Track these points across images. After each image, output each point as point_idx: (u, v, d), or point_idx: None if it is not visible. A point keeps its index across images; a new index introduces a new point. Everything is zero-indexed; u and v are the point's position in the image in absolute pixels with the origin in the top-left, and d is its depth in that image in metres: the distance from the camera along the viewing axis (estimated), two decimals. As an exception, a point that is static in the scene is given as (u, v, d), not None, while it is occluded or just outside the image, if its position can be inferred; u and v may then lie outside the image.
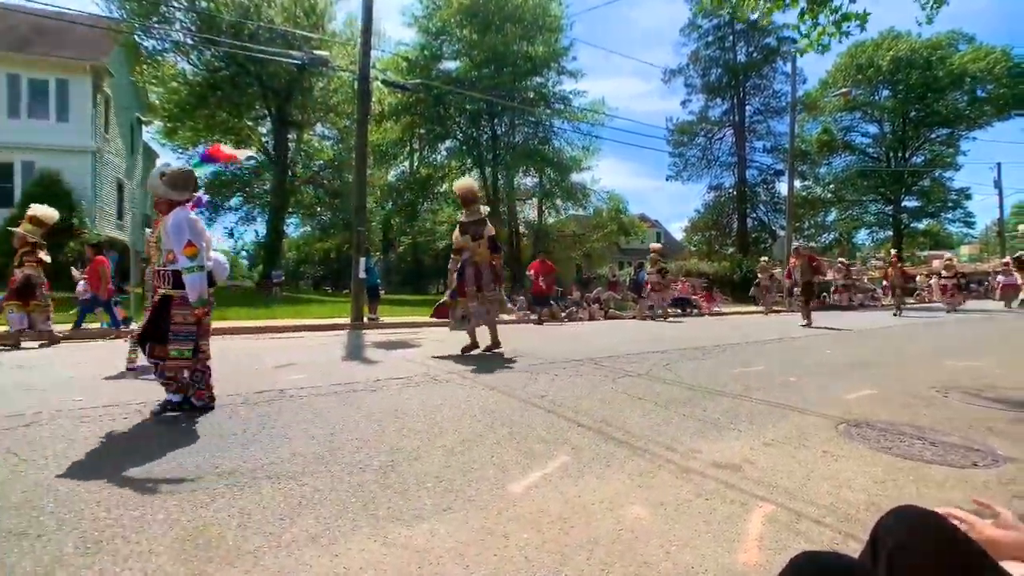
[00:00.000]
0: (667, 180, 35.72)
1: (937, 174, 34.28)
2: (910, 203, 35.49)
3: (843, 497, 2.37)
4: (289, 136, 25.86)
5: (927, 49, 32.39)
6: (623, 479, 2.55)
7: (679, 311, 16.74)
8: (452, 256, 6.95)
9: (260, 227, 30.02)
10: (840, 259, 22.07)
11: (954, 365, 6.14)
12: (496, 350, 6.85)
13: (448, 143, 27.84)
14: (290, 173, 26.87)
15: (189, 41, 21.24)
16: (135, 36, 20.64)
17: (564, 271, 33.93)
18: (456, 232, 6.94)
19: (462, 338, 6.87)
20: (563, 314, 14.14)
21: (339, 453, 2.84)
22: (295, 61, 15.40)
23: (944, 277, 18.70)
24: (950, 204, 34.83)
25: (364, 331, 9.86)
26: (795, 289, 12.98)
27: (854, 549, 1.89)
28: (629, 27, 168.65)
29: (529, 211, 31.38)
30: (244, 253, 47.14)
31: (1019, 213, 44.32)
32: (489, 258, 6.72)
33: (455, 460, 2.76)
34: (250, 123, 25.70)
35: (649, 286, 14.56)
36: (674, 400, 4.21)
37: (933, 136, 34.88)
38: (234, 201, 28.43)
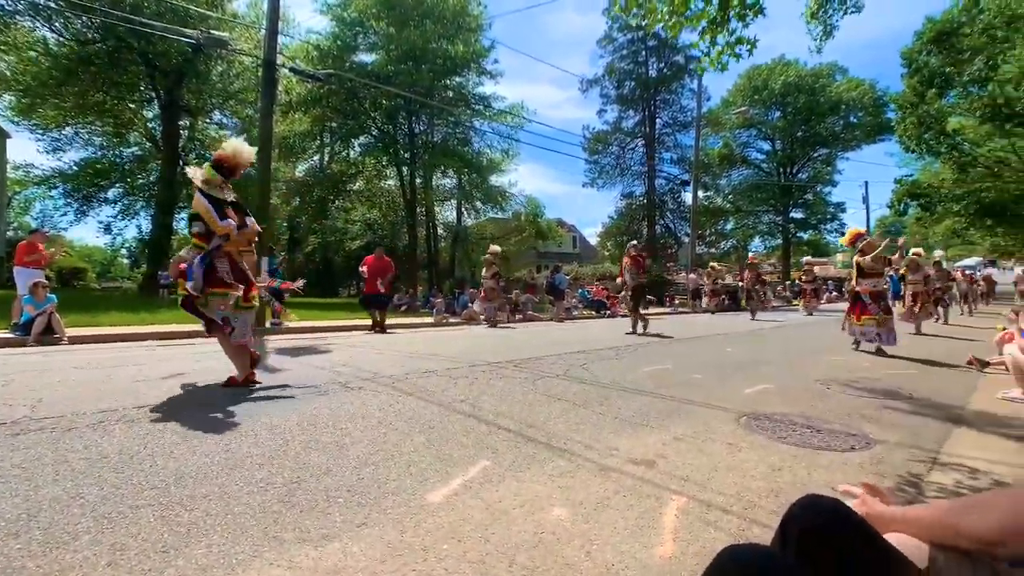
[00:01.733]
0: (583, 186, 36.89)
1: (818, 189, 38.46)
2: (796, 215, 39.53)
3: (746, 486, 2.51)
4: (181, 123, 23.59)
5: (811, 77, 36.53)
6: (544, 481, 2.53)
7: (594, 313, 17.35)
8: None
9: (144, 222, 26.97)
10: (712, 263, 22.74)
11: (833, 360, 6.82)
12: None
13: (362, 139, 26.83)
14: (182, 163, 24.54)
15: (52, 4, 18.58)
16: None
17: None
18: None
19: (382, 343, 6.60)
20: (481, 316, 14.10)
21: (236, 471, 2.56)
22: (189, 40, 14.10)
23: (804, 281, 19.46)
24: (828, 216, 39.19)
25: (267, 337, 9.19)
26: (624, 293, 11.65)
27: (757, 534, 2.01)
28: (547, 36, 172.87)
29: (448, 212, 31.09)
30: (125, 251, 42.49)
31: (881, 226, 50.53)
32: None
33: (369, 472, 2.59)
34: (133, 105, 23.16)
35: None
36: (591, 399, 4.29)
37: (815, 155, 39.21)
38: (112, 192, 25.39)
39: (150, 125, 24.36)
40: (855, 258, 7.93)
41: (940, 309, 13.20)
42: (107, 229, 26.12)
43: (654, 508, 2.25)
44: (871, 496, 1.21)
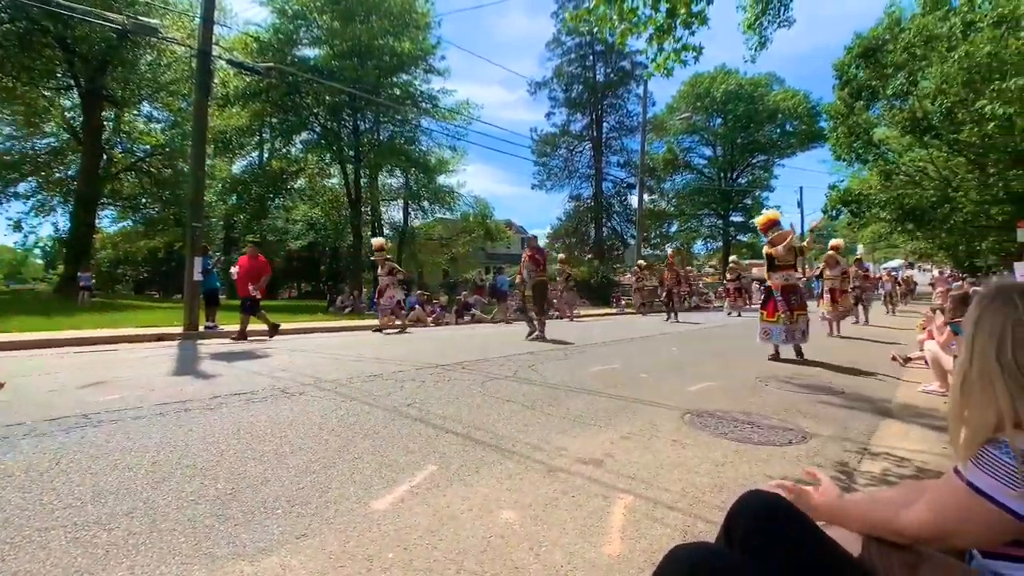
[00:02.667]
0: (532, 188, 37.14)
1: (757, 194, 40.57)
2: (736, 218, 41.41)
3: (691, 482, 2.58)
4: (105, 114, 21.98)
5: (751, 86, 38.62)
6: (492, 484, 2.51)
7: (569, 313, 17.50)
8: None
9: (62, 219, 24.92)
10: (639, 262, 21.48)
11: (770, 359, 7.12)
12: None
13: (304, 135, 25.90)
14: (106, 157, 22.88)
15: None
16: None
17: (431, 275, 33.73)
18: None
19: (325, 346, 6.37)
20: (429, 319, 13.94)
21: (164, 486, 2.39)
22: (114, 26, 13.18)
23: (729, 280, 18.55)
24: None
25: (200, 341, 8.70)
26: (521, 291, 10.51)
27: (703, 529, 2.06)
28: (495, 39, 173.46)
29: (395, 212, 30.53)
30: (39, 251, 39.26)
31: (814, 231, 53.75)
32: None
33: (310, 481, 2.49)
34: (48, 93, 21.39)
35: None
36: (539, 400, 4.30)
37: (754, 161, 41.39)
38: (23, 187, 23.34)
39: (68, 115, 22.58)
40: (765, 249, 7.22)
41: (860, 309, 13.01)
42: (17, 227, 24.01)
43: (602, 507, 2.27)
44: (807, 488, 1.25)
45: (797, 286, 7.02)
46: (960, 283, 19.54)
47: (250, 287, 9.27)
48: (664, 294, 16.41)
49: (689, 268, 26.79)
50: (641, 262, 21.31)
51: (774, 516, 1.07)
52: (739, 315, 16.80)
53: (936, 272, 41.60)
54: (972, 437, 0.98)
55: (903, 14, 20.03)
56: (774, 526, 1.05)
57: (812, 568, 1.00)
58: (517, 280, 10.53)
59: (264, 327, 9.44)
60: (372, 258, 11.88)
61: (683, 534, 2.03)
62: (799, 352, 6.90)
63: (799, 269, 7.60)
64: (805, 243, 7.54)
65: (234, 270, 9.90)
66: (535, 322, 9.49)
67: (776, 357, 6.80)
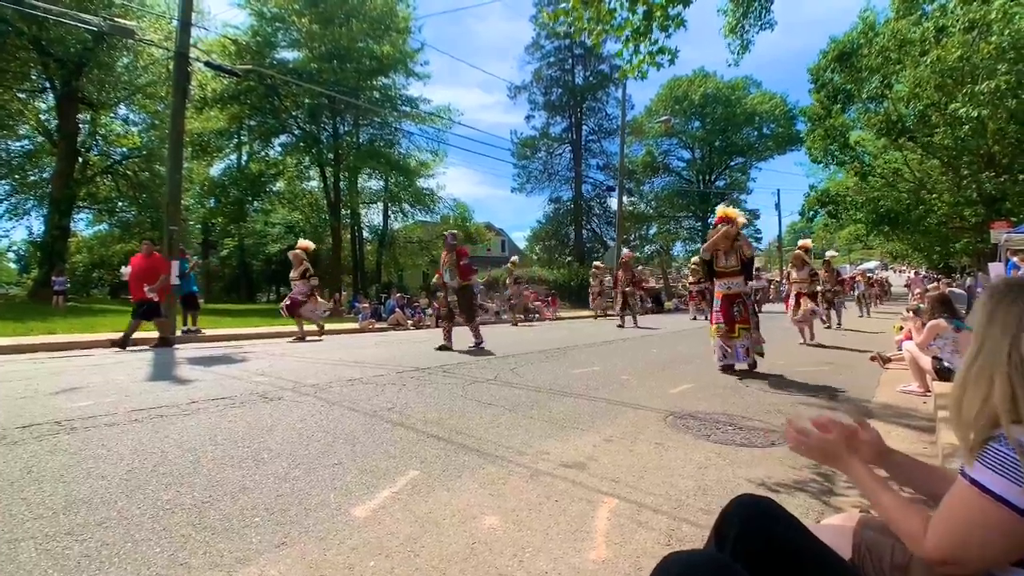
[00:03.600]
0: (512, 191, 37.21)
1: (735, 196, 41.05)
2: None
3: (675, 485, 2.59)
4: (81, 117, 21.52)
5: (728, 89, 39.18)
6: (475, 489, 2.50)
7: (521, 317, 17.42)
8: None
9: (36, 222, 24.38)
10: (596, 263, 19.63)
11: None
12: None
13: (283, 138, 25.70)
14: (81, 160, 22.39)
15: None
16: None
17: (411, 277, 33.56)
18: None
19: (304, 351, 6.29)
20: (409, 321, 13.89)
21: (138, 494, 2.34)
22: (90, 28, 12.93)
23: (691, 282, 16.75)
24: (744, 222, 41.76)
25: (177, 346, 8.54)
26: (442, 296, 8.94)
27: (687, 533, 2.07)
28: (474, 42, 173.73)
29: (374, 215, 30.36)
30: (12, 255, 38.28)
31: (792, 231, 54.60)
32: None
33: (289, 488, 2.45)
34: (23, 95, 20.89)
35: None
36: (522, 404, 4.30)
37: (732, 164, 41.98)
38: (-3, 190, 22.83)
39: (43, 118, 22.07)
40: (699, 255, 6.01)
41: (832, 312, 12.45)
42: (-10, 229, 23.45)
43: (586, 512, 2.26)
44: (859, 431, 1.20)
45: (740, 295, 6.07)
46: (935, 284, 19.95)
47: (145, 288, 8.17)
48: (618, 296, 14.11)
49: (640, 268, 25.12)
50: (598, 263, 19.02)
51: (767, 521, 1.05)
52: (705, 318, 14.35)
53: (911, 273, 42.51)
54: (977, 434, 0.94)
55: (877, 19, 20.51)
56: (767, 531, 1.04)
57: (806, 574, 0.99)
58: (435, 281, 9.38)
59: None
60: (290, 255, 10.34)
61: (668, 538, 2.04)
62: (752, 366, 6.08)
63: (749, 276, 6.36)
64: (741, 242, 6.13)
65: (125, 270, 8.60)
66: (472, 331, 8.46)
67: (728, 370, 5.95)
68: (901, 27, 18.53)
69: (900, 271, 57.59)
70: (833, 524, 1.31)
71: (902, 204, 22.87)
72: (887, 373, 6.04)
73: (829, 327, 12.26)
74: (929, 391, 4.66)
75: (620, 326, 13.21)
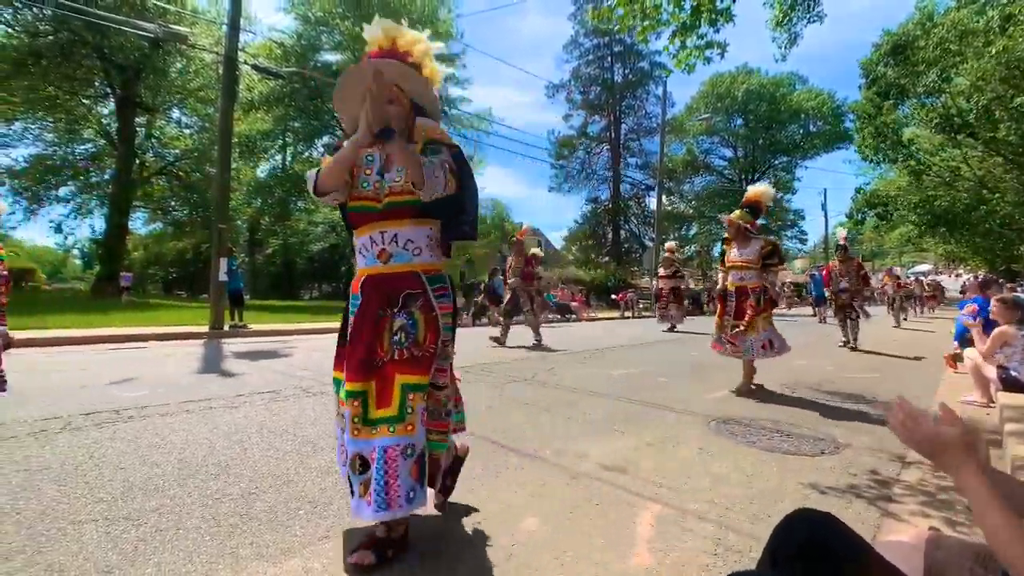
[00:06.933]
0: (549, 191, 37.14)
1: (779, 196, 39.63)
2: (758, 221, 40.45)
3: (721, 492, 2.50)
4: (138, 120, 22.68)
5: (772, 86, 37.81)
6: (514, 489, 2.48)
7: (559, 316, 17.35)
8: None
9: (98, 221, 25.88)
10: (669, 245, 15.98)
11: (798, 364, 6.94)
12: None
13: (326, 138, 26.33)
14: (138, 162, 23.59)
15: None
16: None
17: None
18: None
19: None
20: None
21: (190, 482, 2.43)
22: (147, 35, 13.57)
23: (661, 276, 12.94)
24: (789, 223, 40.38)
25: (225, 340, 8.86)
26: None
27: (734, 542, 1.99)
28: (511, 39, 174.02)
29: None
30: (77, 252, 40.68)
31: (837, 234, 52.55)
32: None
33: (332, 482, 2.49)
34: (87, 101, 22.16)
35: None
36: (559, 403, 4.26)
37: (776, 162, 40.48)
38: (64, 191, 24.25)
39: (105, 122, 23.36)
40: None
41: (848, 323, 9.07)
42: (58, 228, 25.07)
43: (628, 516, 2.21)
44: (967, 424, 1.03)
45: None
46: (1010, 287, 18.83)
47: None
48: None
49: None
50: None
51: (827, 539, 0.99)
52: (673, 328, 12.11)
53: (967, 278, 40.22)
54: None
55: (936, 9, 19.47)
56: (827, 550, 0.97)
57: None
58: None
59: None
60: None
61: (715, 546, 1.97)
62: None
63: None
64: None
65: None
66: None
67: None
68: (962, 17, 17.54)
69: (956, 275, 54.63)
70: (899, 541, 1.22)
71: (960, 204, 21.66)
72: (944, 384, 5.71)
73: (845, 344, 9.11)
74: (993, 402, 4.37)
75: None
